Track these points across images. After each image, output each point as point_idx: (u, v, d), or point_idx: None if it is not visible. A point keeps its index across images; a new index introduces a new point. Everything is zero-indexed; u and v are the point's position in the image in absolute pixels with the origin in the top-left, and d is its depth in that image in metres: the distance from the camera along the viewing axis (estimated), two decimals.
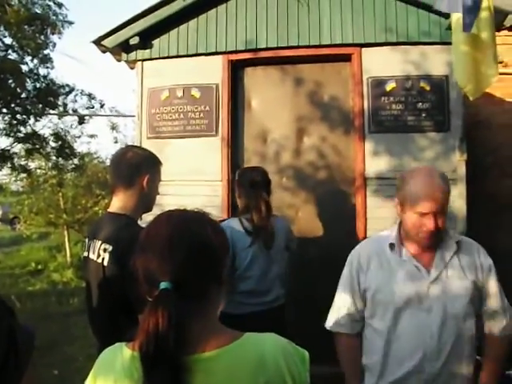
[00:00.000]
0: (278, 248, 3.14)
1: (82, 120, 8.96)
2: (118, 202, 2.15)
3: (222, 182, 4.26)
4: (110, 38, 4.53)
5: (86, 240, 2.19)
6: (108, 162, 12.29)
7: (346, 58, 4.34)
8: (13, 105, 7.78)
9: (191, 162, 4.33)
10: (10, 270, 10.41)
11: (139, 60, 4.59)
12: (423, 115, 4.17)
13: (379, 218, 4.11)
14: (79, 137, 10.07)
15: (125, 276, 1.85)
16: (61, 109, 8.47)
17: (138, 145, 4.44)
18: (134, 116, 12.34)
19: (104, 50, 4.75)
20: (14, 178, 10.95)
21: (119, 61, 5.08)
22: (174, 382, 1.04)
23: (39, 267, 10.32)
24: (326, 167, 4.34)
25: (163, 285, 1.10)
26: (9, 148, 8.18)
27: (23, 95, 7.86)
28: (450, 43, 3.45)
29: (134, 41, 4.47)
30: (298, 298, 4.02)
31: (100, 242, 2.02)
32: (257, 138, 4.43)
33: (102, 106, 9.18)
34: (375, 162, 4.16)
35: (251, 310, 2.97)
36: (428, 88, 4.19)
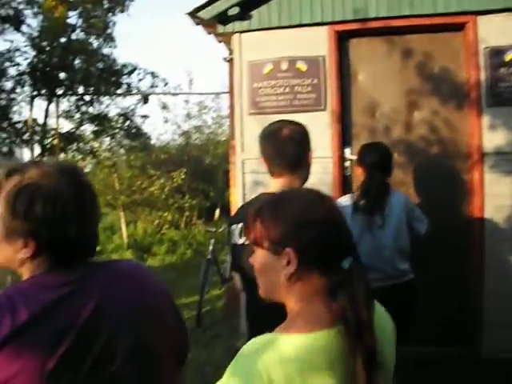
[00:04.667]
0: (393, 225, 3.03)
1: (146, 99, 8.85)
2: (282, 183, 1.99)
3: (332, 158, 4.10)
4: (207, 9, 4.36)
5: (241, 225, 1.95)
6: (171, 142, 12.28)
7: (458, 28, 4.11)
8: (79, 85, 7.73)
9: None
10: None
11: (237, 32, 4.42)
12: None
13: (497, 194, 3.94)
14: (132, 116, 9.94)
15: None
16: (124, 88, 8.37)
17: (239, 121, 4.31)
18: (201, 93, 12.37)
19: (198, 21, 4.61)
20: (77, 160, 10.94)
21: (210, 33, 4.94)
22: None
23: (97, 248, 10.35)
24: (439, 142, 4.15)
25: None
26: (74, 130, 8.14)
27: (90, 75, 7.77)
28: None
29: (233, 11, 4.29)
30: None
31: None
32: (365, 112, 4.25)
33: (165, 85, 9.06)
34: (493, 137, 3.95)
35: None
36: None
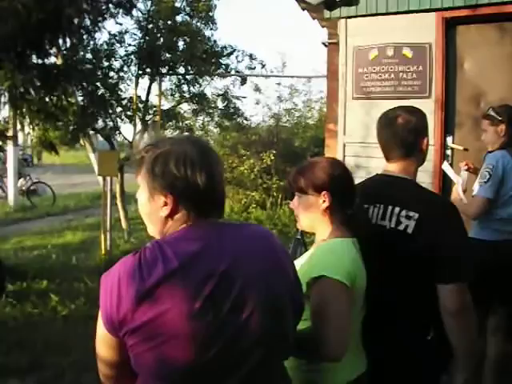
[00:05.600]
0: None
1: (244, 80, 9.11)
2: (397, 167, 2.07)
3: (434, 146, 4.10)
4: None
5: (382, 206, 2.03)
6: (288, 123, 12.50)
7: None
8: (181, 66, 8.12)
9: None
10: None
11: (343, 17, 4.49)
12: None
13: None
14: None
15: (433, 248, 1.80)
16: (222, 69, 8.67)
17: (343, 105, 4.40)
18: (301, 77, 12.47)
19: (304, 7, 4.73)
20: None
21: (314, 19, 5.06)
22: None
23: None
24: None
25: None
26: (173, 108, 8.56)
27: (193, 56, 8.13)
28: None
29: None
30: None
31: (396, 207, 1.95)
32: (470, 101, 4.20)
33: (263, 67, 9.26)
34: None
35: (505, 238, 2.98)
36: None
